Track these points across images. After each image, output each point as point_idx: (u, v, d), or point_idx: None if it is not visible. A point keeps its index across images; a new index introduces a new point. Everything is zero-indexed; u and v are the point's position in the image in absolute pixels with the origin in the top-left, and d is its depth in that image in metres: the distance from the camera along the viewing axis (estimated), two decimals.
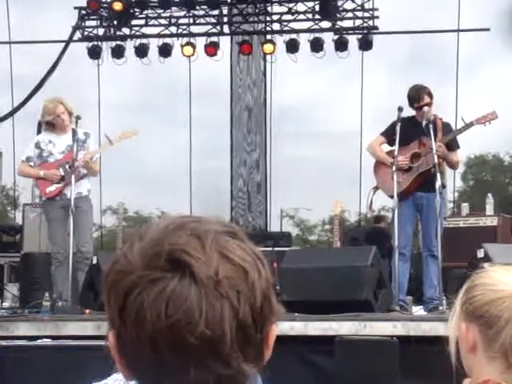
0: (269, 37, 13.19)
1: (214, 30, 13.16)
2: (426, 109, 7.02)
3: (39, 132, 8.21)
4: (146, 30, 13.36)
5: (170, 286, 0.96)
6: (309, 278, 6.43)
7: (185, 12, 13.17)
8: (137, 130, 7.75)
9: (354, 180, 13.41)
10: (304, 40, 12.78)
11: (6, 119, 13.41)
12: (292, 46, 12.76)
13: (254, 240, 1.07)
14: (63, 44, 13.35)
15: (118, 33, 13.28)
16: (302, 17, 13.13)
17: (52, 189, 7.34)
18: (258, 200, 13.87)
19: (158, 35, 13.21)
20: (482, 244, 6.54)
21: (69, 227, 7.07)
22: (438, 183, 6.66)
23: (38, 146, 7.45)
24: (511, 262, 1.90)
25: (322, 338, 5.71)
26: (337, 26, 12.91)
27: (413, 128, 7.08)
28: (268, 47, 12.93)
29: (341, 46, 12.65)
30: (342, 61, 12.91)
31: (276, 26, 13.37)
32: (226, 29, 13.33)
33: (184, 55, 13.02)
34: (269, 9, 13.48)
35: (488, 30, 13.30)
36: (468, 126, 7.00)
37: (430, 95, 7.15)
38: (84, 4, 13.06)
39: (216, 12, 13.16)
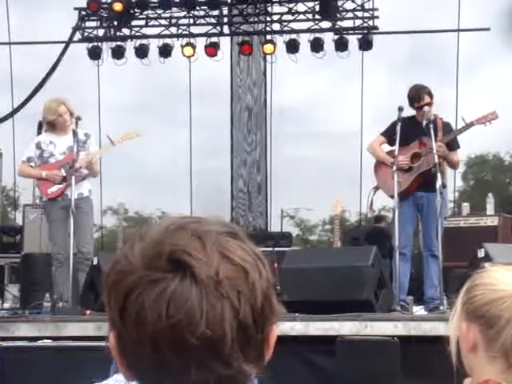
0: (269, 37, 13.19)
1: (214, 31, 13.17)
2: (426, 109, 7.02)
3: (39, 133, 8.20)
4: (146, 31, 13.37)
5: (171, 286, 0.96)
6: (309, 278, 6.43)
7: (185, 12, 13.18)
8: (139, 131, 7.74)
9: (355, 180, 13.43)
10: (304, 40, 12.80)
11: (6, 120, 13.42)
12: (292, 46, 12.76)
13: (255, 240, 1.07)
14: (63, 45, 13.36)
15: (118, 33, 13.28)
16: (302, 17, 13.13)
17: (54, 189, 7.34)
18: (258, 200, 13.87)
19: (158, 36, 13.22)
20: (482, 244, 6.54)
21: (69, 228, 7.07)
22: (439, 183, 6.65)
23: (38, 146, 7.45)
24: None
25: (322, 338, 5.71)
26: (337, 26, 12.91)
27: (413, 128, 7.08)
28: (268, 47, 12.93)
29: (341, 46, 12.66)
30: (342, 61, 12.93)
31: (276, 26, 13.38)
32: (226, 29, 13.34)
33: (184, 56, 13.03)
34: (269, 9, 13.48)
35: (488, 29, 13.31)
36: (468, 125, 7.00)
37: (431, 95, 7.14)
38: (84, 5, 13.07)
39: (216, 12, 13.17)
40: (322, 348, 5.70)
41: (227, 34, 13.39)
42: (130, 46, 13.15)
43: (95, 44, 13.09)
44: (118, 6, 12.65)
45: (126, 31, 13.34)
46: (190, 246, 0.99)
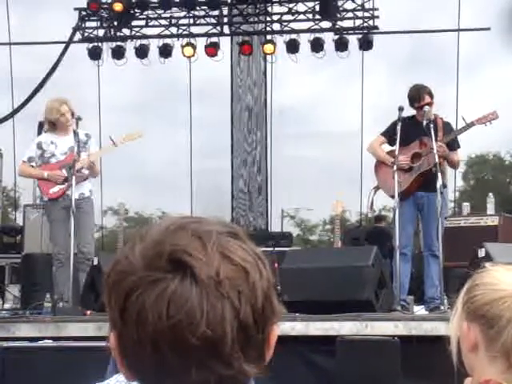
0: (269, 37, 13.20)
1: (214, 31, 13.17)
2: (426, 108, 7.01)
3: (40, 133, 8.20)
4: (147, 31, 13.38)
5: (171, 286, 0.96)
6: (310, 278, 6.42)
7: (185, 12, 13.19)
8: (141, 132, 7.73)
9: (355, 180, 13.43)
10: (304, 40, 12.81)
11: (6, 120, 13.42)
12: (292, 46, 12.77)
13: (255, 240, 1.07)
14: (63, 45, 13.37)
15: (118, 33, 13.29)
16: (302, 17, 13.14)
17: (55, 190, 7.34)
18: (258, 200, 13.88)
19: (159, 36, 13.23)
20: (483, 243, 6.53)
21: (70, 228, 7.07)
22: (439, 183, 6.65)
23: (39, 146, 7.44)
24: None
25: (323, 338, 5.70)
26: (337, 26, 12.92)
27: (413, 128, 7.07)
28: (268, 47, 12.94)
29: (341, 46, 12.66)
30: (342, 61, 12.94)
31: (276, 27, 13.38)
32: (226, 29, 13.34)
33: (184, 56, 13.03)
34: (269, 9, 13.49)
35: (488, 29, 13.32)
36: (469, 125, 6.99)
37: (431, 95, 7.14)
38: (84, 5, 13.08)
39: (216, 12, 13.17)
40: (322, 348, 5.70)
41: (227, 34, 13.39)
42: (130, 46, 13.16)
43: (95, 44, 13.10)
44: (118, 6, 12.65)
45: (126, 31, 13.34)
46: (191, 246, 0.99)
